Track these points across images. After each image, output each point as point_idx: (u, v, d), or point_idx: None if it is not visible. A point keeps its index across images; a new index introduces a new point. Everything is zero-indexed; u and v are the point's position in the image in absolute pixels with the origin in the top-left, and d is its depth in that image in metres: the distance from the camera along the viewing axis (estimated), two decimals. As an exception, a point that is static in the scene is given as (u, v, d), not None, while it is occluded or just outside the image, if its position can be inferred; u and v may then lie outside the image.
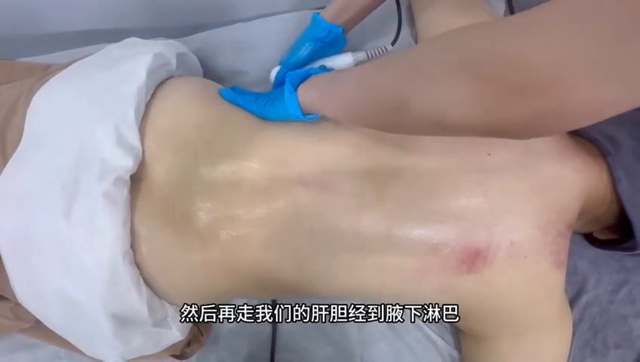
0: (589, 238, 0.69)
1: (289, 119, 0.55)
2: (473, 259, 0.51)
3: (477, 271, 0.52)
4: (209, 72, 0.77)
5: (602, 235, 0.66)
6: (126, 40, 0.64)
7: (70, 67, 0.61)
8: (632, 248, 0.59)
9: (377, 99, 0.43)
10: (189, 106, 0.56)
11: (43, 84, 0.58)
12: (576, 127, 0.33)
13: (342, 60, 0.64)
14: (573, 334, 0.61)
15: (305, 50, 0.62)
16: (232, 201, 0.52)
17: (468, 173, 0.52)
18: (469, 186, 0.52)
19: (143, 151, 0.51)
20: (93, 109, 0.52)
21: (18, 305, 0.56)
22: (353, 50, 0.66)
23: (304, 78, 0.54)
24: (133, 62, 0.56)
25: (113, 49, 0.62)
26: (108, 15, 0.81)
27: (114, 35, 0.68)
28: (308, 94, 0.52)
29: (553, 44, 0.29)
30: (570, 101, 0.30)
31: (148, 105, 0.55)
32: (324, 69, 0.62)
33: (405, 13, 0.76)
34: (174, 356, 0.64)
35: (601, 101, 0.30)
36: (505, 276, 0.52)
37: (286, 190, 0.52)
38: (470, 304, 0.55)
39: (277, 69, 0.66)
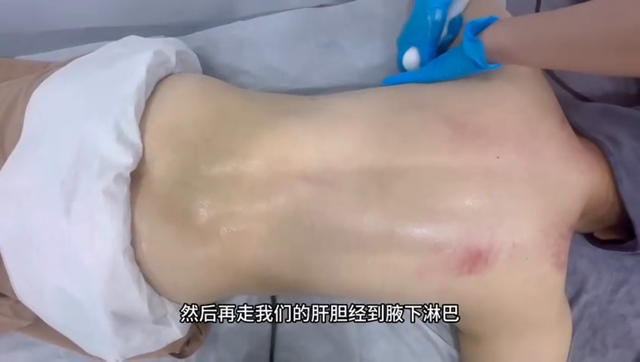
0: (590, 238, 0.69)
1: (463, 74, 0.56)
2: (475, 259, 0.51)
3: (478, 271, 0.52)
4: (209, 71, 0.77)
5: (603, 235, 0.66)
6: (126, 38, 0.64)
7: (69, 64, 0.61)
8: (634, 248, 0.59)
9: (618, 38, 0.40)
10: (188, 103, 0.56)
11: (42, 81, 0.58)
12: None
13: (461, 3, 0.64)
14: (573, 333, 0.61)
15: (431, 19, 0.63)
16: (233, 197, 0.52)
17: (474, 175, 0.52)
18: (474, 188, 0.52)
19: (143, 148, 0.51)
20: (93, 106, 0.52)
21: (18, 302, 0.56)
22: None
23: (485, 25, 0.53)
24: (133, 60, 0.55)
25: (113, 47, 0.62)
26: (108, 13, 0.81)
27: (114, 33, 0.68)
28: (498, 39, 0.51)
29: None
30: None
31: (148, 103, 0.54)
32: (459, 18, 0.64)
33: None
34: (174, 354, 0.64)
35: None
36: (505, 277, 0.52)
37: (287, 186, 0.52)
38: (470, 304, 0.55)
39: (412, 51, 0.66)
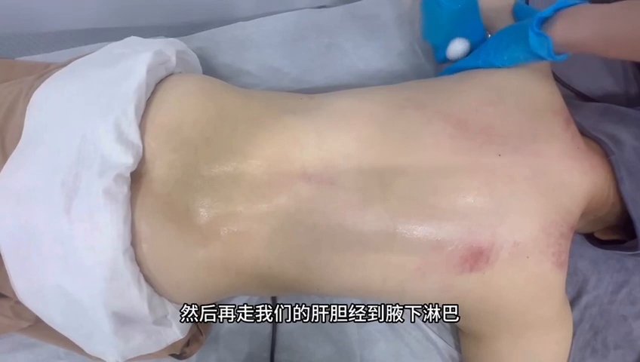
0: (591, 238, 0.69)
1: (526, 62, 0.56)
2: (476, 258, 0.51)
3: (479, 270, 0.52)
4: (210, 71, 0.77)
5: (604, 235, 0.66)
6: (126, 39, 0.64)
7: (70, 65, 0.61)
8: (634, 248, 0.59)
9: None
10: (189, 103, 0.56)
11: (43, 81, 0.58)
12: None
13: None
14: (574, 334, 0.61)
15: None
16: (233, 197, 0.52)
17: (476, 173, 0.52)
18: (476, 185, 0.52)
19: (144, 148, 0.51)
20: (93, 106, 0.52)
21: (18, 303, 0.56)
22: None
23: (552, 14, 0.53)
24: (133, 60, 0.56)
25: (113, 47, 0.62)
26: (108, 14, 0.81)
27: (114, 34, 0.68)
28: (575, 33, 0.51)
29: None
30: None
31: (148, 102, 0.54)
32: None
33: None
34: (174, 355, 0.64)
35: None
36: (506, 276, 0.52)
37: (287, 185, 0.52)
38: (471, 303, 0.55)
39: (460, 41, 0.66)
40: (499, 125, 0.54)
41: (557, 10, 0.53)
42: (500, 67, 0.59)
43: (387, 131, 0.54)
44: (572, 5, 0.53)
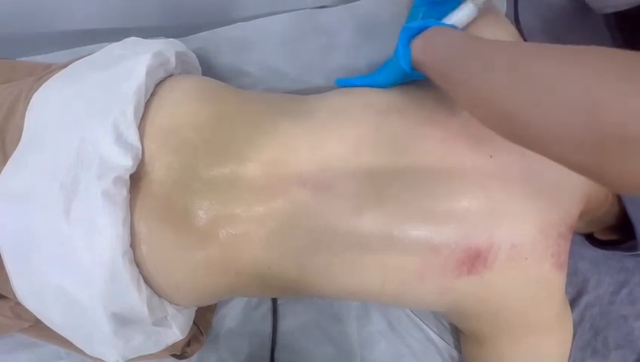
0: (590, 239, 0.69)
1: (399, 80, 0.55)
2: (473, 260, 0.51)
3: (477, 272, 0.52)
4: (210, 71, 0.77)
5: (603, 236, 0.66)
6: (126, 39, 0.64)
7: (70, 66, 0.61)
8: (633, 248, 0.59)
9: (492, 96, 0.38)
10: (188, 105, 0.56)
11: (42, 83, 0.58)
12: None
13: (464, 12, 0.58)
14: (574, 335, 0.61)
15: (423, 15, 0.60)
16: (231, 200, 0.52)
17: (469, 175, 0.52)
18: (470, 188, 0.51)
19: (143, 150, 0.51)
20: (93, 108, 0.52)
21: (18, 304, 0.56)
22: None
23: (420, 30, 0.51)
24: (132, 61, 0.56)
25: (113, 48, 0.62)
26: (108, 14, 0.81)
27: (114, 35, 0.68)
28: (423, 53, 0.49)
29: None
30: None
31: (147, 104, 0.55)
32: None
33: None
34: (174, 356, 0.65)
35: None
36: (505, 278, 0.52)
37: (284, 189, 0.52)
38: (470, 305, 0.55)
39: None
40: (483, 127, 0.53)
41: (426, 27, 0.52)
42: (385, 86, 0.57)
43: (377, 136, 0.54)
44: (436, 26, 0.51)
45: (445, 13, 0.59)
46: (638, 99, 0.28)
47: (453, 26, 0.57)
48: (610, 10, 0.60)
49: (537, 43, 0.37)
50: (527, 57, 0.36)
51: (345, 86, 0.62)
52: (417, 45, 0.51)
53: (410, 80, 0.55)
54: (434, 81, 0.49)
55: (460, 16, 0.58)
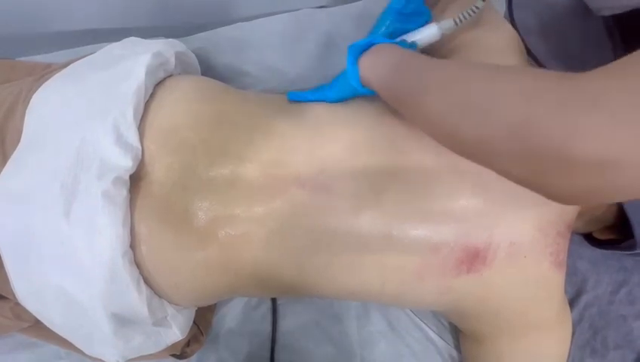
0: (589, 238, 0.69)
1: (350, 96, 0.55)
2: (472, 259, 0.51)
3: (476, 271, 0.52)
4: (209, 72, 0.77)
5: (602, 235, 0.66)
6: (125, 39, 0.64)
7: (69, 67, 0.61)
8: (632, 247, 0.59)
9: (431, 117, 0.40)
10: (187, 106, 0.56)
11: (42, 83, 0.58)
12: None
13: (426, 32, 0.57)
14: (573, 334, 0.61)
15: (386, 27, 0.60)
16: (230, 200, 0.52)
17: (466, 174, 0.52)
18: (468, 186, 0.52)
19: (142, 151, 0.51)
20: (92, 108, 0.52)
21: (18, 304, 0.56)
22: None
23: (367, 47, 0.52)
24: (132, 62, 0.56)
25: (112, 48, 0.62)
26: (108, 14, 0.81)
27: (114, 35, 0.68)
28: (369, 71, 0.50)
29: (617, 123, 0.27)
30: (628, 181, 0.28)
31: (147, 105, 0.55)
32: (402, 43, 0.57)
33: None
34: (174, 356, 0.65)
35: None
36: (504, 276, 0.52)
37: (283, 190, 0.52)
38: (470, 304, 0.55)
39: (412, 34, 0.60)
40: None
41: (372, 44, 0.52)
42: (335, 101, 0.58)
43: (373, 136, 0.54)
44: (382, 43, 0.52)
45: (410, 27, 0.59)
46: (569, 118, 0.29)
47: (412, 44, 0.58)
48: (607, 13, 0.60)
49: (474, 62, 0.39)
50: (462, 78, 0.38)
51: (296, 100, 0.61)
52: (364, 63, 0.51)
53: (362, 95, 0.55)
54: (382, 98, 0.50)
55: (422, 36, 0.58)
